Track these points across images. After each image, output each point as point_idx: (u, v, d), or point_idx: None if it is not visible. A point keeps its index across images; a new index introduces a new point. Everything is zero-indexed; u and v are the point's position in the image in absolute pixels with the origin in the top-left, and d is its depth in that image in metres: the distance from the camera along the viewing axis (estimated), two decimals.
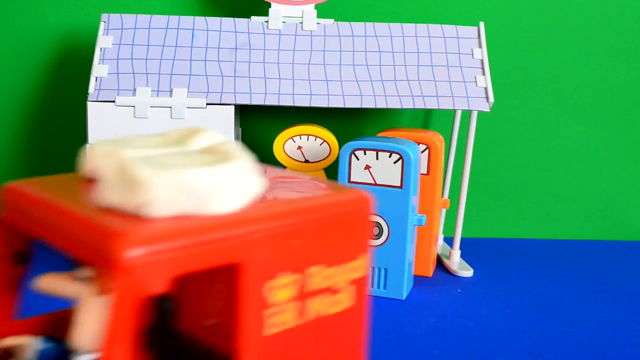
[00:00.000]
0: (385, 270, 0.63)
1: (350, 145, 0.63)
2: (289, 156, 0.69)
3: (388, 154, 0.61)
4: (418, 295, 0.64)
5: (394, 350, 0.52)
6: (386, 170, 0.62)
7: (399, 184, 0.62)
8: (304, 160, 0.69)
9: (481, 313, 0.61)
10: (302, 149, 0.69)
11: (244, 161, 0.30)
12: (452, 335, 0.56)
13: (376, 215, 0.62)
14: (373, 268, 0.63)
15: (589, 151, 0.84)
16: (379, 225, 0.63)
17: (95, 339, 0.31)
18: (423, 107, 0.67)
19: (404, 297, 0.63)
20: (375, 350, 0.52)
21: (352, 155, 0.63)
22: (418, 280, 0.68)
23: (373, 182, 0.62)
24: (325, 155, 0.69)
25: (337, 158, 0.67)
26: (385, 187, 0.62)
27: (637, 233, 0.86)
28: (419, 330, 0.56)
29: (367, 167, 0.62)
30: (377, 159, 0.62)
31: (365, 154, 0.62)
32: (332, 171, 0.70)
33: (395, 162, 0.61)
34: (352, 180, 0.63)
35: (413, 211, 0.62)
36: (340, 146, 0.69)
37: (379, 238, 0.63)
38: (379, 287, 0.63)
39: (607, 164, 0.84)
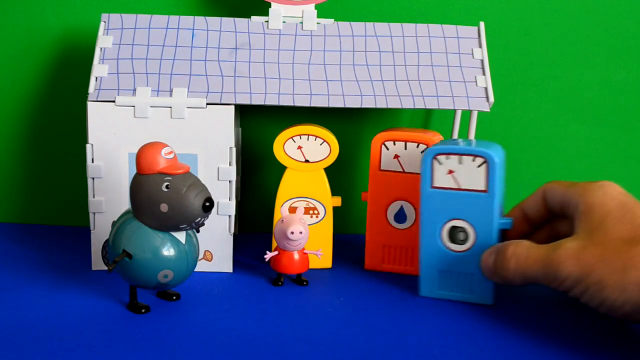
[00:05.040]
0: (472, 275, 0.62)
1: (433, 150, 0.61)
2: (289, 156, 0.69)
3: (472, 157, 0.60)
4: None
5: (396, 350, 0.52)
6: (470, 175, 0.60)
7: (483, 188, 0.60)
8: (304, 160, 0.69)
9: (481, 312, 0.60)
10: (302, 149, 0.68)
11: None
12: (451, 334, 0.56)
13: (461, 220, 0.61)
14: (459, 273, 0.62)
15: (589, 151, 0.84)
16: (464, 230, 0.61)
17: None
18: (423, 107, 0.67)
19: (491, 302, 0.62)
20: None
21: (435, 160, 0.61)
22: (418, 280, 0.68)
23: (457, 186, 0.61)
24: (325, 155, 0.69)
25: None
26: (469, 191, 0.60)
27: None
28: (417, 330, 0.56)
29: (451, 172, 0.61)
30: (460, 163, 0.60)
31: (448, 158, 0.61)
32: (332, 171, 0.71)
33: (479, 166, 0.60)
34: (435, 185, 0.61)
35: (499, 215, 0.61)
36: (340, 146, 0.69)
37: (464, 243, 0.62)
38: (465, 292, 0.62)
39: (607, 164, 0.84)
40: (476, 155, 0.60)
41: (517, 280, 0.57)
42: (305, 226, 0.64)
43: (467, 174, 0.60)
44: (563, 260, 0.53)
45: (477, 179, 0.60)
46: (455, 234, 0.62)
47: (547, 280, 0.54)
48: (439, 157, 0.61)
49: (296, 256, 0.65)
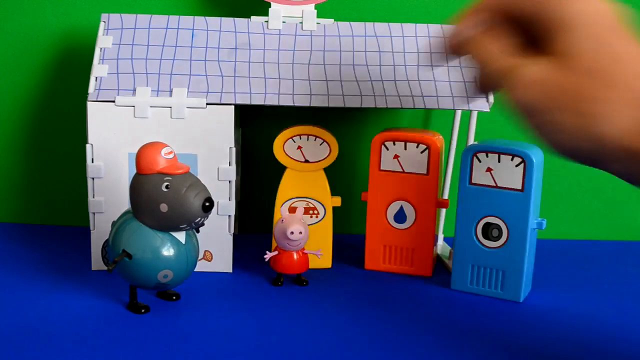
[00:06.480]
0: (503, 272, 0.63)
1: (473, 147, 0.63)
2: (289, 156, 0.69)
3: (510, 157, 0.61)
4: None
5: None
6: (508, 173, 0.62)
7: (520, 187, 0.61)
8: (304, 160, 0.69)
9: (480, 312, 0.61)
10: (302, 149, 0.69)
11: None
12: (452, 334, 0.56)
13: (495, 217, 0.62)
14: (490, 269, 0.63)
15: None
16: (498, 227, 0.62)
17: None
18: (423, 107, 0.67)
19: (520, 300, 0.63)
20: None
21: (474, 158, 0.63)
22: (418, 280, 0.68)
23: (494, 184, 0.62)
24: (325, 155, 0.69)
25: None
26: (506, 189, 0.62)
27: (637, 233, 0.86)
28: (418, 329, 0.56)
29: (489, 170, 0.62)
30: (499, 161, 0.62)
31: (487, 156, 0.62)
32: (332, 171, 0.70)
33: (517, 166, 0.61)
34: (472, 182, 0.63)
35: (534, 215, 0.62)
36: (340, 146, 0.69)
37: (497, 240, 0.63)
38: (495, 288, 0.64)
39: None
40: (515, 155, 0.61)
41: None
42: (305, 226, 0.64)
43: (505, 173, 0.62)
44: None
45: (514, 178, 0.61)
46: (489, 231, 0.63)
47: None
48: (478, 154, 0.63)
49: (296, 256, 0.65)
